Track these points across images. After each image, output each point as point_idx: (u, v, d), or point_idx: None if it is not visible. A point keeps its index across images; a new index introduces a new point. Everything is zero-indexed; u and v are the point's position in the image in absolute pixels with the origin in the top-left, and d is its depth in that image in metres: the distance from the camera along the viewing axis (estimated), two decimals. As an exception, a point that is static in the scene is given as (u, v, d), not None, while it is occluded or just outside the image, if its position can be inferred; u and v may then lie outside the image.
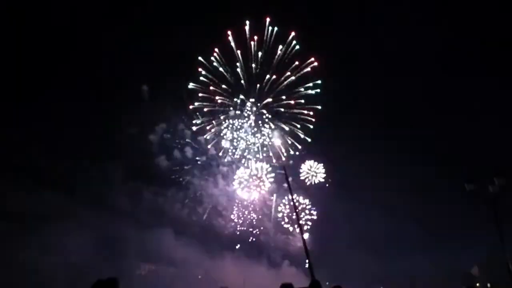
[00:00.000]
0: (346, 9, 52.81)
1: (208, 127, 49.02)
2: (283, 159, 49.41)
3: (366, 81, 53.74)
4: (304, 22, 48.89)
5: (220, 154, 49.75)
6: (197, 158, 49.70)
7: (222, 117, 49.07)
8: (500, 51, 47.69)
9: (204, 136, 49.15)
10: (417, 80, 53.57)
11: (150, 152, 48.00)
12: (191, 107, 48.14)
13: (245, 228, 51.35)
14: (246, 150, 49.90)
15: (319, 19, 55.64)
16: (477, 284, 52.83)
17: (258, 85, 48.65)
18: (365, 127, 53.07)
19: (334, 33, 50.83)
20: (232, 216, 51.17)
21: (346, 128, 52.35)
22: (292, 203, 35.88)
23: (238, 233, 51.26)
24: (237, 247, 51.26)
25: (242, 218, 51.33)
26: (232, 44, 47.11)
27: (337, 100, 50.66)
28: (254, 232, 51.69)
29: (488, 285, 52.15)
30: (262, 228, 51.93)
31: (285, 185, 48.86)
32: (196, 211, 49.88)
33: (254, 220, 51.68)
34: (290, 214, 51.10)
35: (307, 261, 27.62)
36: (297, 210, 39.10)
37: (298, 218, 32.82)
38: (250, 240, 51.62)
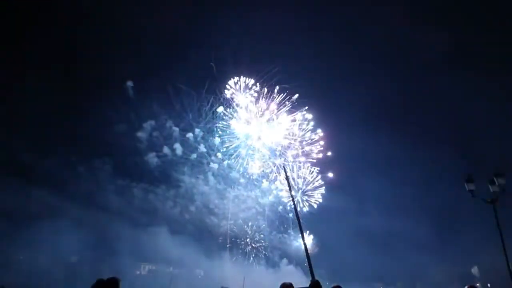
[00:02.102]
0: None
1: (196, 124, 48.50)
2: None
3: (367, 80, 53.81)
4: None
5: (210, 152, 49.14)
6: (186, 156, 49.19)
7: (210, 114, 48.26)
8: (501, 51, 47.70)
9: (193, 133, 48.69)
10: (419, 79, 53.64)
11: (139, 149, 47.59)
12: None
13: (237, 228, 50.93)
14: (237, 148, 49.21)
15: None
16: (477, 284, 52.77)
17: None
18: (365, 125, 53.11)
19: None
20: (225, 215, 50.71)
21: (345, 125, 52.39)
22: (292, 203, 35.82)
23: (232, 232, 50.82)
24: (234, 246, 50.83)
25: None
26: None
27: (336, 99, 50.67)
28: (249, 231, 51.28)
29: (488, 285, 52.14)
30: (257, 226, 51.49)
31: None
32: (188, 209, 49.45)
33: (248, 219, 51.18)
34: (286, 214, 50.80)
35: (307, 261, 27.67)
36: (297, 211, 38.93)
37: (299, 219, 32.67)
38: (246, 239, 51.19)
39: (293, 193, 39.26)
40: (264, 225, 51.12)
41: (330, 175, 49.83)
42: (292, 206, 37.48)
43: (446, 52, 51.58)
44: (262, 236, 51.18)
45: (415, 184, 52.96)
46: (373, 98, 53.85)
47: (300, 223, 30.63)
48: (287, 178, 38.69)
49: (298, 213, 34.08)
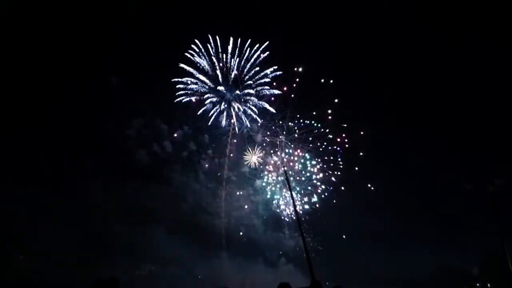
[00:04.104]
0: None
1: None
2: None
3: (368, 81, 53.63)
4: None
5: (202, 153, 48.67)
6: (177, 154, 48.68)
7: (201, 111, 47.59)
8: (501, 51, 47.61)
9: (183, 131, 48.21)
10: (419, 79, 53.55)
11: (129, 147, 47.04)
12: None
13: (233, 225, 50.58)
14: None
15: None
16: (477, 284, 52.77)
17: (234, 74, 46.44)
18: (364, 120, 52.79)
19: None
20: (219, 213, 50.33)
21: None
22: (292, 202, 35.85)
23: (227, 231, 50.44)
24: (231, 246, 50.44)
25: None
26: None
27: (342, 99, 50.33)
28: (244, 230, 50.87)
29: (488, 285, 52.13)
30: (251, 225, 51.05)
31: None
32: (181, 208, 48.72)
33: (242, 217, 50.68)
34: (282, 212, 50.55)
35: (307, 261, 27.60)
36: (297, 211, 38.90)
37: (299, 219, 32.65)
38: (242, 239, 50.78)
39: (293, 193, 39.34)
40: (258, 224, 50.77)
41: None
42: (292, 207, 37.47)
43: (440, 53, 51.59)
44: (257, 234, 50.89)
45: (415, 185, 52.95)
46: (373, 93, 53.39)
47: (300, 222, 30.61)
48: (287, 179, 38.74)
49: (298, 212, 34.07)
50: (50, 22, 43.73)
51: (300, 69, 45.71)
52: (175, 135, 48.16)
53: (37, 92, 42.83)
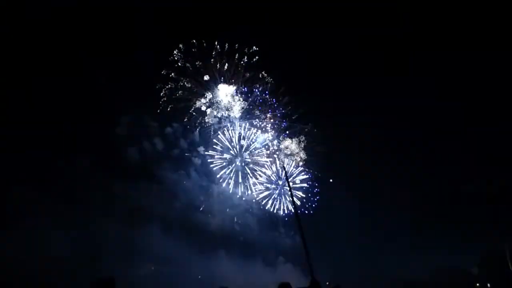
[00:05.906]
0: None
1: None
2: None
3: (364, 80, 53.73)
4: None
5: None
6: (168, 151, 48.71)
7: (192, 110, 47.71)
8: (500, 51, 47.60)
9: (173, 128, 48.18)
10: (418, 80, 53.60)
11: (119, 144, 46.98)
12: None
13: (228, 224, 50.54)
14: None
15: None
16: (477, 284, 52.78)
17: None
18: (364, 126, 52.91)
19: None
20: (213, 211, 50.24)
21: (345, 127, 52.22)
22: (292, 200, 35.92)
23: (222, 230, 50.31)
24: (230, 245, 50.41)
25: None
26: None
27: (334, 101, 50.55)
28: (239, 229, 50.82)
29: (488, 285, 52.15)
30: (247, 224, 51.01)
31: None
32: (175, 207, 48.51)
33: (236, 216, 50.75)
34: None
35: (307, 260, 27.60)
36: (297, 209, 38.95)
37: (298, 218, 32.66)
38: (240, 238, 50.69)
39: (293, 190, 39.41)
40: (253, 222, 50.71)
41: None
42: (292, 205, 37.50)
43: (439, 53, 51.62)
44: (253, 233, 50.84)
45: (415, 185, 52.99)
46: (369, 103, 53.59)
47: (299, 220, 30.64)
48: (287, 178, 38.86)
49: (297, 210, 34.14)
50: (38, 21, 43.63)
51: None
52: (165, 133, 48.26)
53: (25, 91, 42.68)
